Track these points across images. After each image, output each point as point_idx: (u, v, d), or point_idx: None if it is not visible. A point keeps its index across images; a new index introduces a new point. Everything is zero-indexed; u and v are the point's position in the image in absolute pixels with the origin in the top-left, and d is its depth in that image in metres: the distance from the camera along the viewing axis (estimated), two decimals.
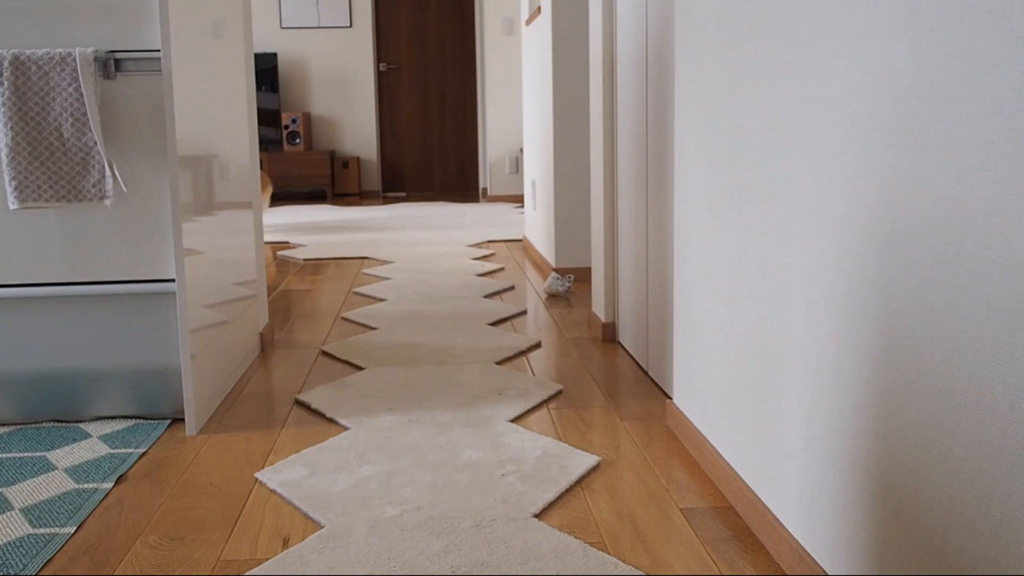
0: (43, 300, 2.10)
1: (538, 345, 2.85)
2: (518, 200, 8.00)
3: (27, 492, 1.73)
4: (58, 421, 2.15)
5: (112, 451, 1.94)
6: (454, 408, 2.18)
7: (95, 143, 1.98)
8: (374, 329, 3.09)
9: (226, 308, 2.43)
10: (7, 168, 1.96)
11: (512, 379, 2.43)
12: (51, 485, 1.76)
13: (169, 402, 2.16)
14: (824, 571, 1.28)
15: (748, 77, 1.52)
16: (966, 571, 0.94)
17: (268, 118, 8.00)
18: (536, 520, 1.57)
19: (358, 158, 8.43)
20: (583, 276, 3.97)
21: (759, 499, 1.53)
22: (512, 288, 3.86)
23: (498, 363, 2.62)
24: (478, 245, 5.23)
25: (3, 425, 2.13)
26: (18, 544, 1.52)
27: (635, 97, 2.52)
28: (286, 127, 8.05)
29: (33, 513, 1.64)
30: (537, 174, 4.48)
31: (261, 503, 1.68)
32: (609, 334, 2.90)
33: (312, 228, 6.06)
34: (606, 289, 2.90)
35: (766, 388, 1.48)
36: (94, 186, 2.00)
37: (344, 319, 3.28)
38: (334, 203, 7.92)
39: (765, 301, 1.47)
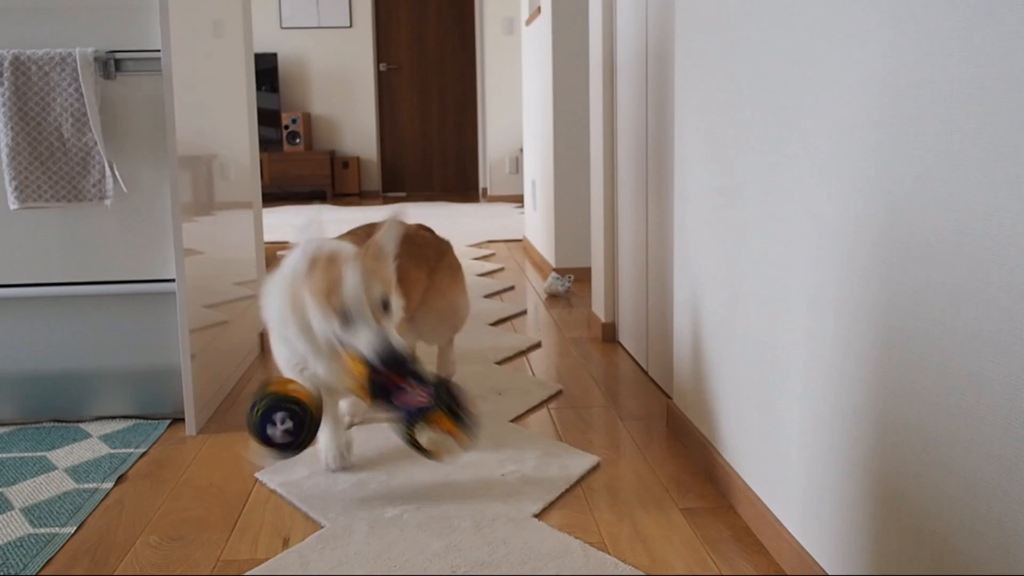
0: (43, 300, 2.10)
1: (538, 345, 2.85)
2: (518, 200, 8.00)
3: (27, 492, 1.73)
4: (58, 421, 2.15)
5: (112, 451, 1.94)
6: None
7: (95, 143, 1.98)
8: None
9: (226, 308, 2.42)
10: (7, 168, 1.97)
11: (512, 379, 2.43)
12: (51, 485, 1.76)
13: (169, 402, 2.16)
14: (824, 571, 1.28)
15: (748, 77, 1.52)
16: (966, 571, 0.94)
17: (268, 118, 8.00)
18: (536, 520, 1.57)
19: (358, 158, 8.43)
20: (583, 276, 3.97)
21: (759, 499, 1.53)
22: (512, 288, 3.86)
23: (498, 363, 2.62)
24: (478, 245, 5.23)
25: (3, 425, 2.13)
26: (18, 544, 1.52)
27: (635, 97, 2.52)
28: (286, 127, 8.05)
29: (33, 513, 1.64)
30: (537, 174, 4.48)
31: (261, 503, 1.68)
32: (609, 334, 2.90)
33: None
34: (606, 289, 2.90)
35: (766, 388, 1.48)
36: (94, 186, 2.00)
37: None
38: (334, 203, 7.92)
39: (765, 301, 1.47)
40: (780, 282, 1.40)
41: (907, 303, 1.03)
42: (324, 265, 1.59)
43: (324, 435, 1.83)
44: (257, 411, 1.57)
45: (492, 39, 8.20)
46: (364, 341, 1.54)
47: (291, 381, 1.65)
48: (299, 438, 1.58)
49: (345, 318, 1.55)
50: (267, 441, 1.56)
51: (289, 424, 1.57)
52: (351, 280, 1.55)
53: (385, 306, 1.58)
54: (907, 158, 1.02)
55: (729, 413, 1.67)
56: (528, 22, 4.62)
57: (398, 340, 1.57)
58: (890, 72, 1.05)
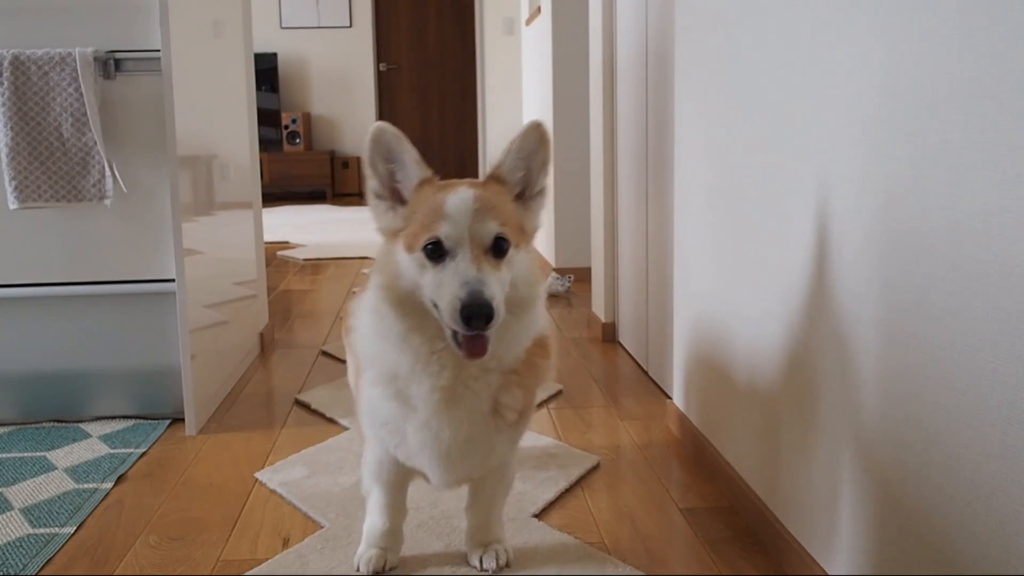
0: (43, 300, 2.10)
1: None
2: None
3: (27, 492, 1.73)
4: (58, 421, 2.15)
5: (112, 451, 1.94)
6: None
7: (95, 143, 1.98)
8: None
9: (226, 308, 2.42)
10: (7, 168, 1.96)
11: None
12: (51, 485, 1.76)
13: (169, 402, 2.16)
14: (824, 571, 1.28)
15: (748, 77, 1.52)
16: (966, 571, 0.94)
17: (268, 118, 7.99)
18: (536, 520, 1.57)
19: (358, 158, 8.42)
20: (583, 276, 3.96)
21: (759, 499, 1.52)
22: None
23: None
24: None
25: (3, 425, 2.13)
26: (18, 544, 1.52)
27: (635, 97, 2.52)
28: (286, 127, 8.05)
29: (33, 513, 1.64)
30: None
31: (261, 503, 1.68)
32: (609, 334, 2.90)
33: (312, 228, 6.06)
34: (606, 289, 2.90)
35: (766, 388, 1.48)
36: (94, 186, 1.99)
37: (345, 319, 3.28)
38: (334, 203, 7.92)
39: (765, 301, 1.47)
40: (779, 282, 1.40)
41: (907, 302, 1.03)
42: (430, 192, 1.14)
43: (370, 522, 1.40)
44: None
45: (492, 39, 8.19)
46: (447, 278, 1.08)
47: None
48: None
49: (434, 253, 1.09)
50: None
51: None
52: (453, 205, 1.10)
53: (497, 249, 1.12)
54: (907, 158, 1.02)
55: (729, 413, 1.67)
56: (528, 22, 4.62)
57: (496, 292, 1.09)
58: (890, 72, 1.05)
